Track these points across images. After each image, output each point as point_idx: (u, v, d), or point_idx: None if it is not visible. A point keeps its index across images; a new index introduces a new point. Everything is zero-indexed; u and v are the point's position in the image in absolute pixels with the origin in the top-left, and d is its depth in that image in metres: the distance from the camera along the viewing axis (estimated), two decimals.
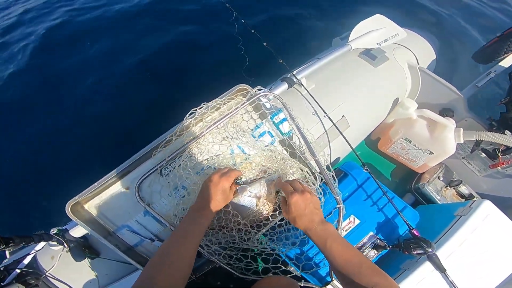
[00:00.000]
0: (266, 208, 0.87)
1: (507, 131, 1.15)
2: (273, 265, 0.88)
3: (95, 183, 0.86)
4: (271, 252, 0.90)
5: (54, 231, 0.96)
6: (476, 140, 1.21)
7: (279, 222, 0.91)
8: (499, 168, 1.28)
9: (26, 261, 0.97)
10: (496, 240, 0.93)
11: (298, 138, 0.95)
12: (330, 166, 0.94)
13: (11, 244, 0.81)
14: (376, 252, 1.02)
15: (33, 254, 0.99)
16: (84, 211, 0.90)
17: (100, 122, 1.98)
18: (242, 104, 0.89)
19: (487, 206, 0.96)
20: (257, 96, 0.90)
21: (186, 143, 0.88)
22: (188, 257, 0.63)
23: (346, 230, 1.05)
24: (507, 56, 1.31)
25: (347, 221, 1.05)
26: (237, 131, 0.96)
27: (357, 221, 1.05)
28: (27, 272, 0.95)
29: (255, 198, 0.84)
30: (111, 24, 2.67)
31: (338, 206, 0.89)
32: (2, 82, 2.30)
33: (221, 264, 0.90)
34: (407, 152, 1.44)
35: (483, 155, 1.30)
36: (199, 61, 2.23)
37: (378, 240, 1.01)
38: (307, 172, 0.93)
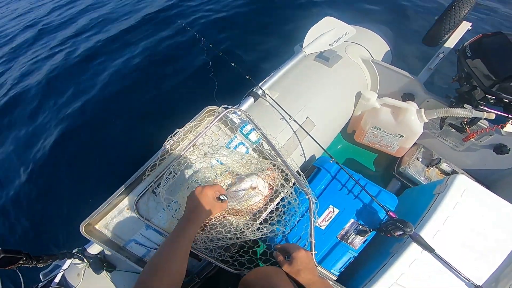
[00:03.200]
0: (259, 198, 0.98)
1: (466, 105, 1.20)
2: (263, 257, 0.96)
3: (99, 207, 1.00)
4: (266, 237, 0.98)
5: (75, 250, 1.10)
6: (441, 117, 1.28)
7: (270, 215, 1.00)
8: (472, 139, 1.31)
9: (57, 279, 1.08)
10: (481, 213, 0.90)
11: (267, 144, 1.08)
12: (296, 162, 1.06)
13: (41, 260, 0.91)
14: (361, 237, 1.05)
15: (62, 272, 1.11)
16: (96, 231, 1.04)
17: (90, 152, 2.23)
18: (211, 123, 1.04)
19: (462, 181, 0.95)
20: (224, 114, 1.05)
21: (168, 164, 1.02)
22: (177, 264, 0.66)
23: (327, 221, 1.10)
24: (450, 35, 1.38)
25: (326, 212, 1.11)
26: (214, 147, 1.11)
27: (337, 211, 1.10)
28: None
29: (250, 188, 0.96)
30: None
31: (307, 196, 0.99)
32: None
33: (216, 263, 0.98)
34: (381, 139, 1.49)
35: (453, 130, 1.33)
36: (173, 88, 2.44)
37: (360, 226, 1.05)
38: (280, 170, 1.05)
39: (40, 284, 1.06)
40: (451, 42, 1.43)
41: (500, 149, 1.27)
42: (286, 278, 0.83)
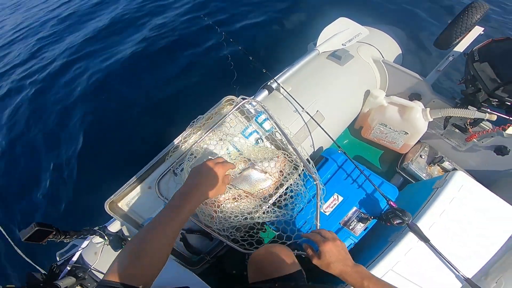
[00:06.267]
0: (269, 183, 1.06)
1: (470, 106, 1.26)
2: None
3: (124, 185, 1.08)
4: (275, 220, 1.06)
5: (96, 228, 1.10)
6: (445, 117, 1.34)
7: (279, 198, 1.08)
8: (474, 140, 1.37)
9: (75, 258, 1.11)
10: (476, 209, 0.94)
11: (279, 133, 1.16)
12: (306, 151, 1.14)
13: (67, 236, 0.94)
14: (362, 224, 1.12)
15: (80, 251, 1.13)
16: (118, 208, 1.11)
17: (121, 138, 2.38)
18: (230, 111, 1.12)
19: (460, 177, 0.99)
20: (242, 104, 1.13)
21: (189, 147, 1.11)
22: (165, 244, 0.59)
23: (331, 207, 1.17)
24: (461, 39, 1.42)
25: (331, 199, 1.18)
26: (230, 133, 1.19)
27: (341, 198, 1.17)
28: (76, 267, 1.08)
29: (262, 172, 1.03)
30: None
31: (315, 182, 1.07)
32: None
33: (227, 242, 1.05)
34: (386, 135, 1.56)
35: (457, 130, 1.39)
36: (197, 79, 2.62)
37: (362, 214, 1.12)
38: (289, 157, 1.12)
39: (58, 262, 1.09)
40: (462, 46, 1.47)
41: (500, 150, 1.32)
42: (290, 253, 0.90)
